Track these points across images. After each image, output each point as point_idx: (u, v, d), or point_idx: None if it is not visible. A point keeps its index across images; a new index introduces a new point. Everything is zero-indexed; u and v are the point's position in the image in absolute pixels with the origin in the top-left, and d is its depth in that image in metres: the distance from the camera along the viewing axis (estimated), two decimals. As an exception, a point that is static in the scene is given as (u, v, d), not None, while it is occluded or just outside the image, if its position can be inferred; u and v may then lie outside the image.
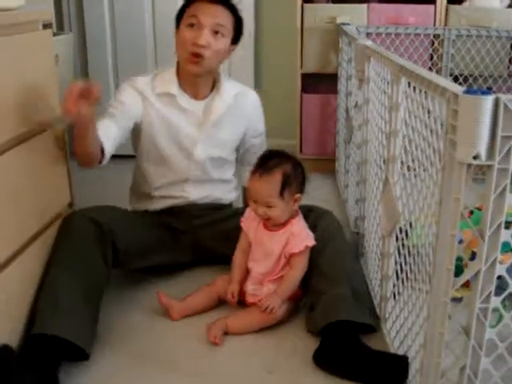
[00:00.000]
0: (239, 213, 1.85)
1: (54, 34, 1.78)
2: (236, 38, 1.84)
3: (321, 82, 3.05)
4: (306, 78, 3.00)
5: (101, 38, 3.19)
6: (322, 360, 1.50)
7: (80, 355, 1.47)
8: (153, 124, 1.84)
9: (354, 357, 1.45)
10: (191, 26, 1.74)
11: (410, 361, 1.36)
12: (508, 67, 2.91)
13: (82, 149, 1.61)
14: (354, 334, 1.53)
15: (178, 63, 1.85)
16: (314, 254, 1.69)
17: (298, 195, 1.68)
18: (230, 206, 2.04)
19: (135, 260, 1.81)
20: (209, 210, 1.95)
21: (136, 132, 1.86)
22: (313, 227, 1.73)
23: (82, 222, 1.65)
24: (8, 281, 1.40)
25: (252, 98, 1.98)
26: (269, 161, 1.66)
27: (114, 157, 1.77)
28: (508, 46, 2.88)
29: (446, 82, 1.07)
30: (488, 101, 0.94)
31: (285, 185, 1.64)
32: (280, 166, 1.65)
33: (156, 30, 3.19)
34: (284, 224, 1.69)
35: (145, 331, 1.65)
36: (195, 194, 1.92)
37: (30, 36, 1.55)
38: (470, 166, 0.99)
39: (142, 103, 1.82)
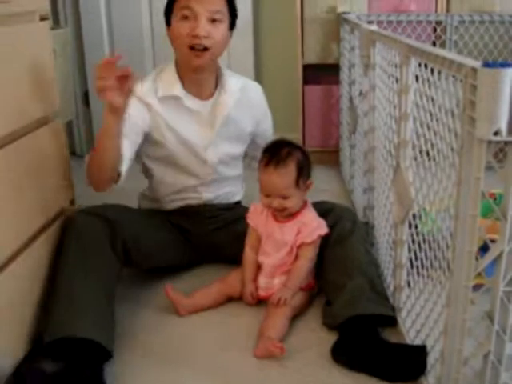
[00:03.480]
0: None
1: (51, 29, 1.72)
2: (232, 22, 1.73)
3: (321, 73, 3.00)
4: (306, 69, 2.95)
5: (97, 33, 3.13)
6: (340, 354, 1.45)
7: (102, 356, 1.43)
8: (162, 131, 1.73)
9: (372, 351, 1.42)
10: (185, 18, 1.64)
11: (428, 350, 1.32)
12: (512, 52, 2.87)
13: (102, 160, 1.53)
14: (373, 327, 1.49)
15: (176, 61, 1.76)
16: (332, 247, 1.66)
17: (309, 181, 1.65)
18: (239, 204, 1.98)
19: (147, 259, 1.77)
20: (221, 211, 1.89)
21: (146, 140, 1.75)
22: (333, 225, 1.68)
23: (91, 220, 1.60)
24: (11, 279, 1.35)
25: (257, 90, 1.91)
26: (279, 151, 1.60)
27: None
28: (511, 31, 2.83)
29: (461, 58, 1.03)
30: (508, 73, 0.90)
31: (299, 174, 1.60)
32: (292, 155, 1.61)
33: (153, 22, 3.14)
34: (294, 215, 1.65)
35: (156, 330, 1.61)
36: (208, 194, 1.86)
37: (27, 27, 1.50)
38: (490, 142, 0.95)
39: (147, 112, 1.71)
